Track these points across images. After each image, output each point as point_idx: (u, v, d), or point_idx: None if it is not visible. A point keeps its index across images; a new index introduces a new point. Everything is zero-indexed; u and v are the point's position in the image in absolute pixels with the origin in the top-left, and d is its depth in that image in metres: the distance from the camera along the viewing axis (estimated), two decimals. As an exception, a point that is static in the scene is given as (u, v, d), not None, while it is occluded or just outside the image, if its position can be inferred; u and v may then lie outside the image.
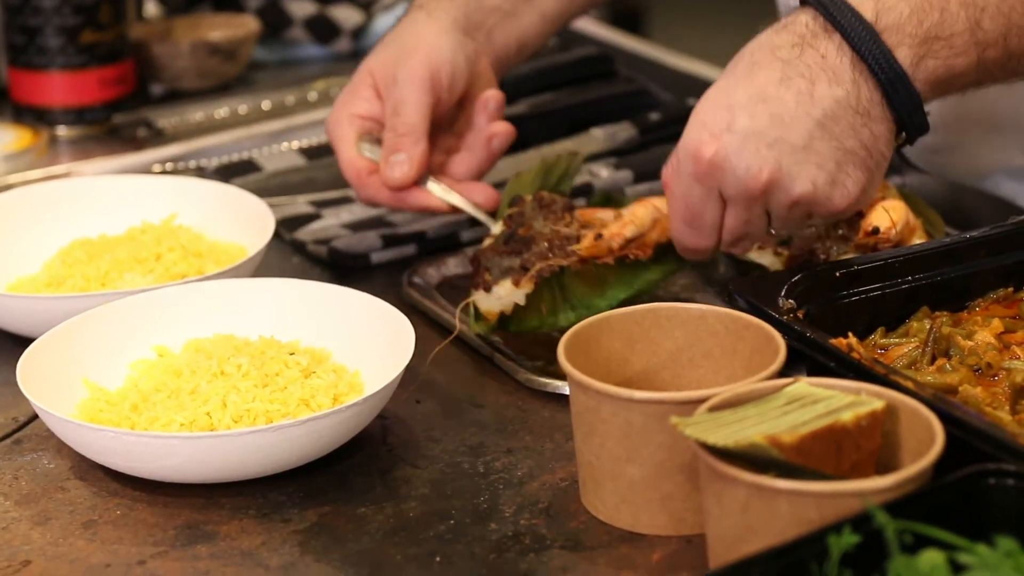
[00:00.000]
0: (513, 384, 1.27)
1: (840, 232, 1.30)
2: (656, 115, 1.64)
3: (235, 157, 1.65)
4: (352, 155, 1.40)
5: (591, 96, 1.70)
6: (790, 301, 1.16)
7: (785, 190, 1.17)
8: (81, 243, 1.42)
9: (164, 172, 1.63)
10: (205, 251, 1.40)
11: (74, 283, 1.36)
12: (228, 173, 1.61)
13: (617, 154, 1.60)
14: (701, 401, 1.04)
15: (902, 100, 1.17)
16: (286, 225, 1.50)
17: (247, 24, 1.85)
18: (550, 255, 1.30)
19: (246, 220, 1.44)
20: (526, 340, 1.32)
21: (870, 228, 1.28)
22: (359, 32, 1.92)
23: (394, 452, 1.19)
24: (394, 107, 1.39)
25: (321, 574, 1.07)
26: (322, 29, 1.91)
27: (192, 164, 1.65)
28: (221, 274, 1.33)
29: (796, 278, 1.19)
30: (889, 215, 1.29)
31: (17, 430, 1.24)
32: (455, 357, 1.31)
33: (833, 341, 1.11)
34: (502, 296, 1.29)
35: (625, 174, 1.55)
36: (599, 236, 1.30)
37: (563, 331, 1.13)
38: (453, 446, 1.20)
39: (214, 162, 1.64)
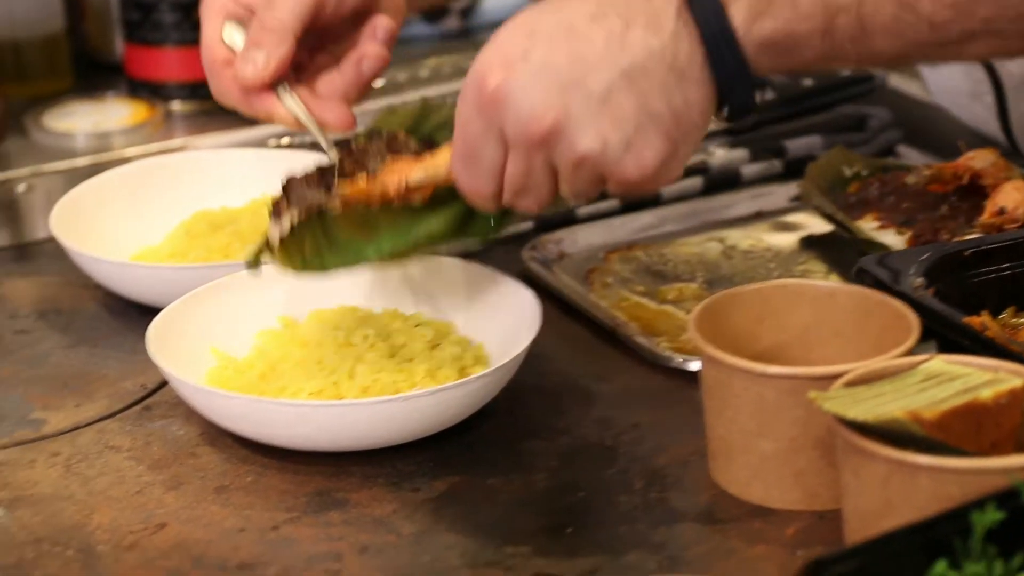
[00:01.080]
0: (636, 358, 1.27)
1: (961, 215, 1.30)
2: (770, 94, 1.64)
3: (349, 132, 1.65)
4: (214, 39, 1.25)
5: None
6: (920, 279, 1.16)
7: (570, 143, 1.02)
8: (203, 215, 1.43)
9: (280, 147, 1.64)
10: (325, 228, 1.41)
11: (197, 254, 1.37)
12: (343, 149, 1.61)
13: (731, 133, 1.59)
14: (836, 377, 1.03)
15: (726, 63, 1.01)
16: (402, 200, 1.50)
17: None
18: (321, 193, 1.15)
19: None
20: (649, 315, 1.32)
21: (996, 208, 1.27)
22: (468, 11, 1.92)
23: (520, 424, 1.20)
24: None
25: (453, 543, 1.08)
26: (432, 7, 1.91)
27: (307, 140, 1.66)
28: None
29: (925, 256, 1.18)
30: (1015, 195, 1.28)
31: (146, 397, 1.25)
32: (577, 331, 1.31)
33: (967, 319, 1.11)
34: (291, 223, 1.15)
35: (741, 153, 1.54)
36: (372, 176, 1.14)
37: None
38: (579, 419, 1.20)
39: (329, 137, 1.65)
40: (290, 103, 1.24)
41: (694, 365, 1.24)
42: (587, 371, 1.27)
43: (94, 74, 1.82)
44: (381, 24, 1.27)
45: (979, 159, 1.36)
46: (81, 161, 1.64)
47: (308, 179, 1.18)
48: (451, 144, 1.11)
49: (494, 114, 1.04)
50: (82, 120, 1.71)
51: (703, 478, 1.13)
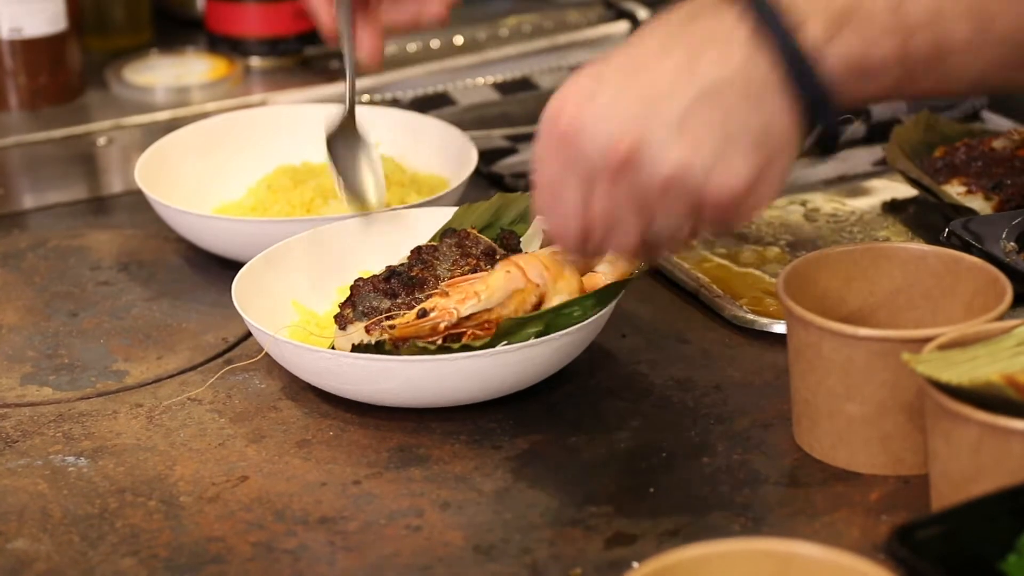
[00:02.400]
0: (718, 320, 1.26)
1: None
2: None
3: (429, 90, 1.65)
4: None
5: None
6: (1012, 243, 1.14)
7: (651, 165, 0.99)
8: (285, 170, 1.43)
9: (360, 103, 1.64)
10: (407, 181, 1.41)
11: (279, 209, 1.37)
12: (423, 106, 1.61)
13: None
14: (928, 340, 1.02)
15: (806, 83, 0.99)
16: (483, 158, 1.50)
17: None
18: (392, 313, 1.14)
19: (446, 151, 1.45)
20: (731, 277, 1.31)
21: None
22: None
23: (602, 385, 1.19)
24: None
25: (535, 500, 1.07)
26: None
27: (388, 96, 1.65)
28: (425, 203, 1.34)
29: (1017, 220, 1.17)
30: None
31: (227, 350, 1.25)
32: (659, 292, 1.30)
33: (1059, 285, 1.10)
34: (354, 341, 1.15)
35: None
36: (423, 313, 1.13)
37: None
38: (661, 380, 1.20)
39: (408, 95, 1.65)
40: (340, 12, 1.29)
41: (776, 327, 1.23)
42: (669, 332, 1.26)
43: (173, 29, 1.82)
44: None
45: None
46: (161, 115, 1.64)
47: (375, 284, 1.18)
48: (505, 265, 1.13)
49: (570, 150, 1.02)
50: (162, 74, 1.71)
51: (786, 441, 1.12)
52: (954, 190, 1.34)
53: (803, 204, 1.41)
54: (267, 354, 1.18)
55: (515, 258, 1.17)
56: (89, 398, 1.19)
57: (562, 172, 1.02)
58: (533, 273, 1.15)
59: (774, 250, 1.34)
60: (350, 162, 1.31)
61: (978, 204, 1.31)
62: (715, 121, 0.99)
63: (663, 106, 0.99)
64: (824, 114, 1.00)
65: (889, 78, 1.01)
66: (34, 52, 1.63)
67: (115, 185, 1.57)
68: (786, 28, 0.98)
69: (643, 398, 1.18)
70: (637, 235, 1.03)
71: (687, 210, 1.01)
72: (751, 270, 1.32)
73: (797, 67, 0.99)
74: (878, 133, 1.51)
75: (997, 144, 1.38)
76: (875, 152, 1.46)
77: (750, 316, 1.25)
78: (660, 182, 1.00)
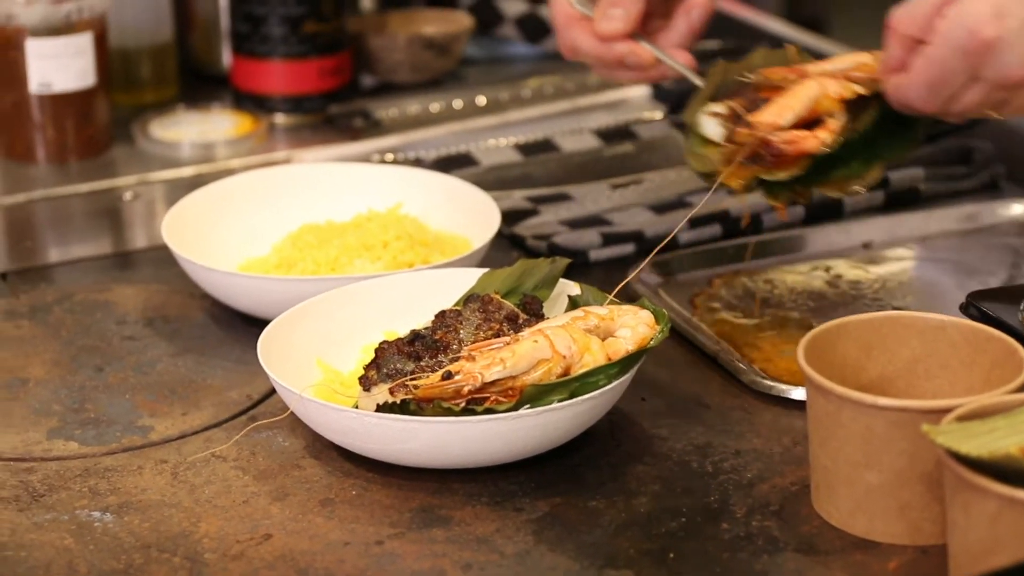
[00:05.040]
0: (737, 385, 1.27)
1: None
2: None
3: (452, 150, 1.67)
4: (565, 3, 1.40)
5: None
6: (1030, 315, 1.16)
7: None
8: (310, 228, 1.45)
9: (384, 162, 1.66)
10: (431, 241, 1.42)
11: (304, 266, 1.39)
12: (446, 165, 1.63)
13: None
14: (947, 410, 1.03)
15: None
16: (505, 219, 1.51)
17: (461, 20, 1.87)
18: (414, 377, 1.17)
19: (469, 212, 1.46)
20: (749, 341, 1.32)
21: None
22: (569, 32, 1.93)
23: (623, 448, 1.21)
24: None
25: (556, 563, 1.08)
26: (532, 28, 1.92)
27: (410, 155, 1.67)
28: (449, 264, 1.35)
29: (1035, 293, 1.18)
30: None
31: (251, 407, 1.27)
32: (679, 356, 1.32)
33: (1077, 357, 1.10)
34: (378, 402, 1.16)
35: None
36: (448, 376, 1.14)
37: None
38: (681, 445, 1.21)
39: (431, 154, 1.67)
40: (648, 47, 1.37)
41: (796, 393, 1.24)
42: (688, 396, 1.27)
43: (199, 85, 1.85)
44: None
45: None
46: (186, 171, 1.67)
47: (399, 346, 1.20)
48: (533, 335, 1.16)
49: (980, 59, 1.17)
50: (188, 130, 1.73)
51: (805, 508, 1.13)
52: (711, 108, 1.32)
53: (827, 270, 1.42)
54: (291, 412, 1.20)
55: (545, 328, 1.18)
56: (115, 453, 1.21)
57: (962, 70, 1.18)
58: (561, 345, 1.16)
59: (795, 315, 1.36)
60: None
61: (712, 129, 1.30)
62: None
63: None
64: None
65: None
66: (62, 106, 1.65)
67: (140, 240, 1.59)
68: None
69: (663, 462, 1.19)
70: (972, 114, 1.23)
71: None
72: (772, 335, 1.33)
73: None
74: (896, 201, 1.53)
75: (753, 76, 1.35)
76: (897, 220, 1.47)
77: (768, 381, 1.26)
78: None
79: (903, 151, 1.30)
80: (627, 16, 1.37)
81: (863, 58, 1.31)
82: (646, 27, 1.40)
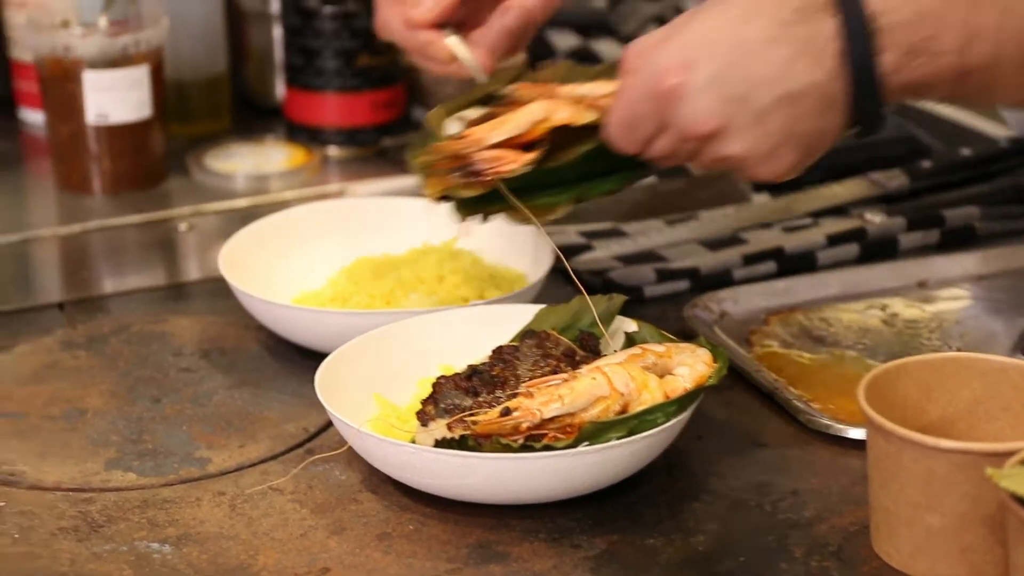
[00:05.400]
0: (795, 424, 1.27)
1: None
2: (928, 163, 1.63)
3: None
4: None
5: (861, 141, 1.70)
6: (1092, 358, 1.15)
7: (720, 146, 1.16)
8: (365, 261, 1.45)
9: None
10: (486, 276, 1.43)
11: (359, 300, 1.39)
12: (500, 200, 1.63)
13: (888, 200, 1.59)
14: (1010, 453, 1.03)
15: (867, 101, 1.14)
16: (558, 254, 1.51)
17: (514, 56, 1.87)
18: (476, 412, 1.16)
19: (522, 247, 1.46)
20: (806, 379, 1.32)
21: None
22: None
23: (679, 485, 1.20)
24: None
25: (614, 601, 1.08)
26: (584, 61, 1.92)
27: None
28: (504, 299, 1.35)
29: (1097, 335, 1.17)
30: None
31: (308, 440, 1.27)
32: (735, 394, 1.31)
33: None
34: (435, 437, 1.16)
35: (898, 221, 1.54)
36: (506, 412, 1.14)
37: None
38: (738, 483, 1.20)
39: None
40: (452, 41, 1.35)
41: (853, 433, 1.24)
42: (744, 434, 1.27)
43: (253, 117, 1.86)
44: None
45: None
46: (240, 203, 1.67)
47: (457, 382, 1.20)
48: (592, 372, 1.17)
49: (665, 106, 1.17)
50: (242, 162, 1.74)
51: (865, 549, 1.12)
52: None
53: (882, 308, 1.42)
54: (349, 446, 1.20)
55: (603, 365, 1.18)
56: (172, 484, 1.21)
57: (650, 116, 1.17)
58: (619, 383, 1.16)
59: (851, 354, 1.35)
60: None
61: None
62: (789, 120, 1.15)
63: (755, 96, 1.14)
64: (875, 121, 1.15)
65: (938, 97, 1.18)
66: (118, 138, 1.66)
67: (194, 271, 1.59)
68: (867, 57, 1.12)
69: (720, 500, 1.19)
70: (670, 164, 1.21)
71: (725, 169, 1.20)
72: (829, 373, 1.33)
73: (866, 89, 1.13)
74: (951, 240, 1.53)
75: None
76: (953, 259, 1.47)
77: (826, 420, 1.25)
78: (720, 157, 1.17)
79: (607, 189, 1.29)
80: (436, 5, 1.35)
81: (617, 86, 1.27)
82: (469, 20, 1.38)
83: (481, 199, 1.25)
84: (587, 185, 1.28)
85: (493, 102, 1.31)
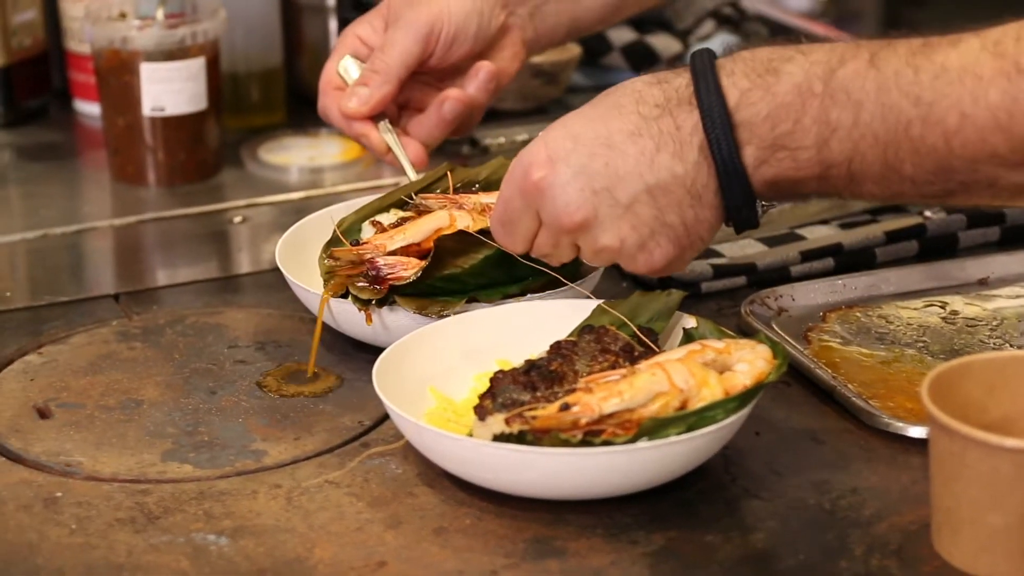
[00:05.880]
0: (853, 421, 1.26)
1: None
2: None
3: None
4: (332, 67, 1.48)
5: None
6: None
7: (594, 237, 1.20)
8: (421, 255, 1.45)
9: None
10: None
11: (415, 294, 1.39)
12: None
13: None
14: (1076, 453, 1.02)
15: (735, 194, 1.17)
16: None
17: (570, 48, 1.87)
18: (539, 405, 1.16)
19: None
20: (865, 376, 1.31)
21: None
22: (676, 61, 1.93)
23: (738, 483, 1.19)
24: (383, 44, 1.45)
25: (673, 599, 1.08)
26: (640, 56, 1.92)
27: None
28: (561, 293, 1.35)
29: None
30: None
31: (364, 433, 1.27)
32: (793, 391, 1.30)
33: None
34: (493, 432, 1.16)
35: (958, 217, 1.52)
36: (565, 407, 1.14)
37: None
38: (796, 481, 1.19)
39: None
40: (385, 134, 1.44)
41: (913, 431, 1.23)
42: (804, 431, 1.26)
43: (305, 109, 1.85)
44: (483, 68, 1.46)
45: None
46: (294, 195, 1.67)
47: (515, 376, 1.20)
48: (651, 368, 1.17)
49: (533, 199, 1.21)
50: (296, 155, 1.74)
51: (926, 548, 1.11)
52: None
53: (942, 306, 1.41)
54: (406, 440, 1.20)
55: (663, 361, 1.17)
56: (228, 477, 1.21)
57: (522, 210, 1.22)
58: (679, 378, 1.15)
59: (910, 352, 1.34)
60: None
61: None
62: (657, 210, 1.18)
63: (620, 188, 1.18)
64: (747, 215, 1.19)
65: (807, 191, 1.19)
66: (174, 130, 1.67)
67: (248, 263, 1.59)
68: (729, 149, 1.16)
69: (778, 498, 1.18)
70: (565, 263, 1.25)
71: (612, 264, 1.24)
72: (888, 370, 1.31)
73: (732, 181, 1.17)
74: (1011, 237, 1.51)
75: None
76: (1014, 257, 1.46)
77: (886, 418, 1.24)
78: (596, 249, 1.21)
79: (502, 294, 1.33)
80: (369, 98, 1.43)
81: None
82: (413, 102, 1.47)
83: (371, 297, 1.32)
84: (483, 291, 1.33)
85: (406, 206, 1.40)
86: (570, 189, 1.18)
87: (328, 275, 1.33)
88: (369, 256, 1.33)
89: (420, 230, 1.35)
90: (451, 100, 1.45)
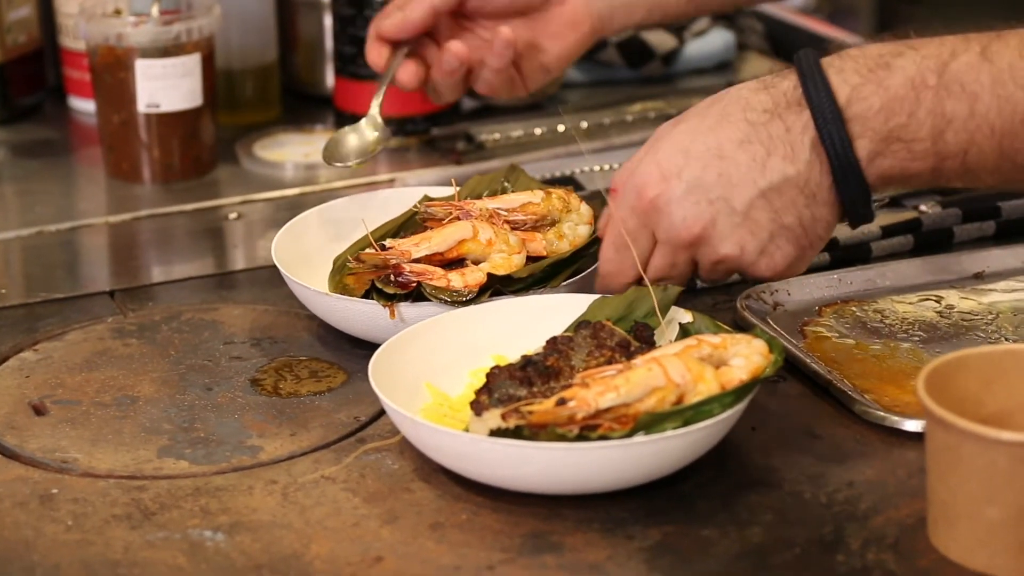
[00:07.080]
0: (849, 416, 1.26)
1: None
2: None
3: (556, 173, 1.67)
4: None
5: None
6: None
7: (713, 247, 1.21)
8: (416, 251, 1.45)
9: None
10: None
11: (411, 290, 1.39)
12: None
13: (943, 191, 1.57)
14: (1072, 446, 1.02)
15: (851, 190, 1.19)
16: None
17: (564, 44, 1.87)
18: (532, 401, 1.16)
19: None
20: (861, 370, 1.31)
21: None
22: (671, 57, 1.93)
23: (734, 477, 1.19)
24: None
25: (669, 593, 1.08)
26: (635, 52, 1.92)
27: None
28: (558, 289, 1.35)
29: None
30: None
31: (360, 429, 1.27)
32: (789, 385, 1.30)
33: None
34: (490, 427, 1.15)
35: (954, 212, 1.52)
36: (561, 402, 1.14)
37: None
38: (792, 475, 1.20)
39: (536, 177, 1.66)
40: (393, 62, 1.49)
41: (909, 425, 1.23)
42: (800, 425, 1.26)
43: (300, 105, 1.86)
44: (499, 32, 1.47)
45: None
46: (289, 192, 1.67)
47: (511, 372, 1.19)
48: (647, 363, 1.16)
49: (649, 218, 1.22)
50: (291, 151, 1.74)
51: (922, 542, 1.11)
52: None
53: (937, 300, 1.41)
54: (402, 436, 1.20)
55: (659, 356, 1.17)
56: (225, 473, 1.21)
57: (638, 230, 1.23)
58: (675, 373, 1.15)
59: (906, 346, 1.34)
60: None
61: None
62: (773, 213, 1.20)
63: (736, 196, 1.19)
64: (862, 210, 1.20)
65: (919, 183, 1.21)
66: (169, 126, 1.66)
67: (243, 260, 1.59)
68: (842, 144, 1.17)
69: (774, 492, 1.18)
70: (680, 284, 1.26)
71: (730, 275, 1.26)
72: (884, 365, 1.31)
73: (846, 176, 1.18)
74: (1007, 231, 1.51)
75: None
76: (1009, 251, 1.46)
77: (881, 412, 1.24)
78: (716, 259, 1.22)
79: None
80: (403, 20, 1.48)
81: (529, 197, 1.39)
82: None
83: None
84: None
85: (413, 226, 1.42)
86: (686, 203, 1.20)
87: (351, 273, 1.34)
88: (395, 262, 1.33)
89: (444, 240, 1.35)
90: (448, 53, 1.46)
